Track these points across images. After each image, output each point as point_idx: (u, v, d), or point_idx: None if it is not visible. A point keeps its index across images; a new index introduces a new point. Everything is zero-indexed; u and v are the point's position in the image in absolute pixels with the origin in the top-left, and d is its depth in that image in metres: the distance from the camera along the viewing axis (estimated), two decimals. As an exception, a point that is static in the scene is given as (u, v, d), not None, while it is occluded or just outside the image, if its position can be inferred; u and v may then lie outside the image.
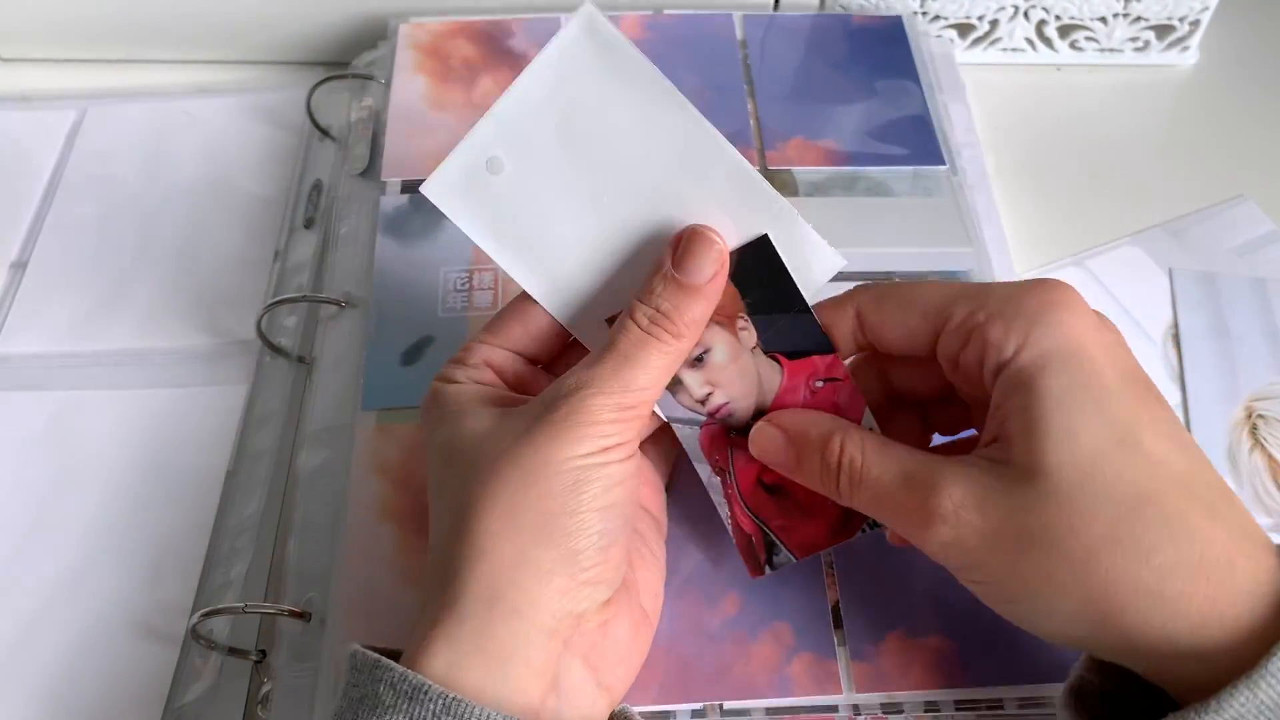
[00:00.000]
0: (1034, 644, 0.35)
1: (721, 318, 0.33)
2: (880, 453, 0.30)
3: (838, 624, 0.36)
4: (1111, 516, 0.26)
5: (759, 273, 0.32)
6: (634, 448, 0.30)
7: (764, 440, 0.33)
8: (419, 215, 0.46)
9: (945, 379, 0.32)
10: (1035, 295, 0.29)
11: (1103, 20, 0.56)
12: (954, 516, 0.27)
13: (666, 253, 0.31)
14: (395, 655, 0.29)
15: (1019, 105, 0.56)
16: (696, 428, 0.34)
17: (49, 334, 0.47)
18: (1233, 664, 0.25)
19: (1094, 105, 0.56)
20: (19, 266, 0.49)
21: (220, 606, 0.37)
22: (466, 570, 0.28)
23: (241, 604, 0.37)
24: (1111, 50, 0.57)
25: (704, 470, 0.34)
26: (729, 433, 0.34)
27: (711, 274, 0.31)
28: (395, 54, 0.52)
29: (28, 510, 0.42)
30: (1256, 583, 0.26)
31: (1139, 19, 0.56)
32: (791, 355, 0.33)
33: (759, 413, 0.33)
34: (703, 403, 0.33)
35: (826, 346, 0.33)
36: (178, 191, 0.52)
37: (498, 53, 0.52)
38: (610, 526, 0.29)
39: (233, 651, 0.37)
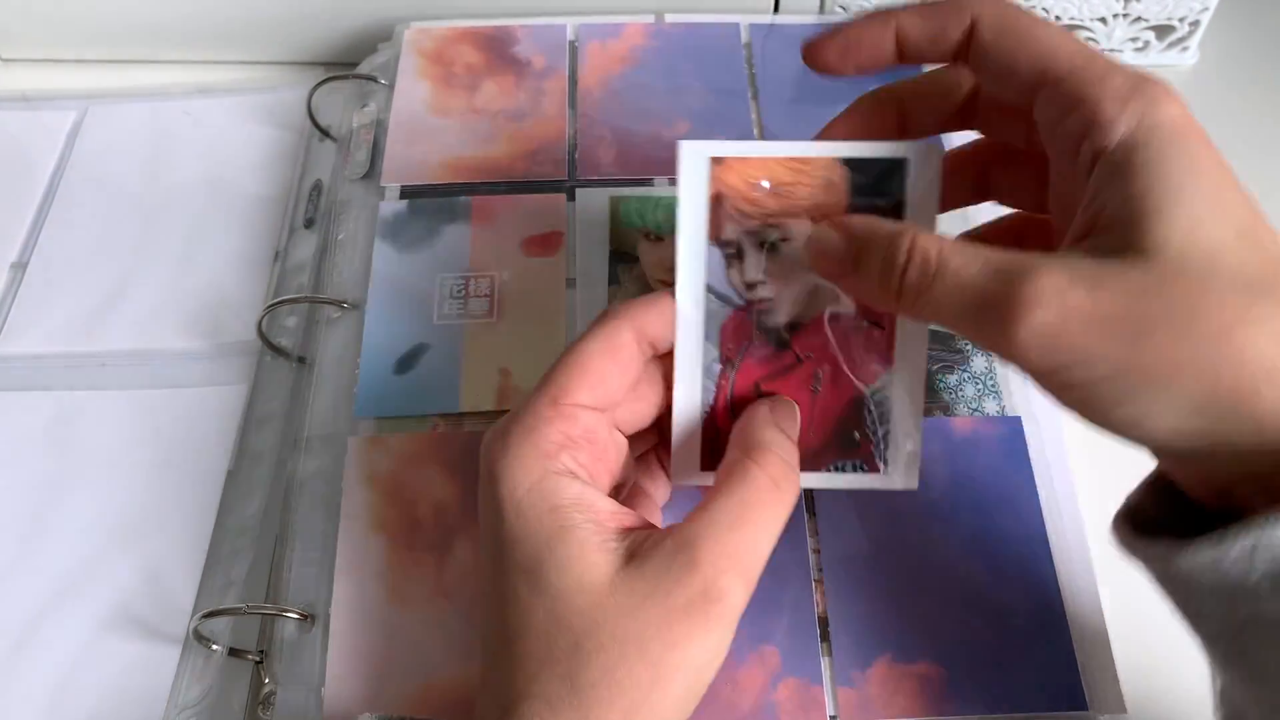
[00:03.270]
0: (1023, 672, 0.35)
1: (819, 215, 0.31)
2: (959, 246, 0.27)
3: (826, 648, 0.36)
4: (1242, 300, 0.25)
5: (877, 190, 0.31)
6: None
7: (821, 240, 0.30)
8: (417, 221, 0.46)
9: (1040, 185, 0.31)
10: (1146, 78, 0.28)
11: (1103, 20, 0.56)
12: (1057, 300, 0.25)
13: (774, 409, 0.31)
14: None
15: (1019, 105, 0.56)
16: (728, 309, 0.32)
17: (49, 334, 0.47)
18: None
19: (1094, 106, 0.56)
20: (19, 266, 0.49)
21: (222, 607, 0.37)
22: None
23: (243, 605, 0.37)
24: (1111, 50, 0.57)
25: (709, 353, 0.32)
26: (755, 329, 0.33)
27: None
28: (399, 58, 0.52)
29: (28, 510, 0.42)
30: None
31: (1139, 19, 0.56)
32: None
33: (791, 325, 0.32)
34: (750, 287, 0.32)
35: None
36: (178, 191, 0.52)
37: (501, 59, 0.52)
38: (696, 705, 0.29)
39: (234, 652, 0.37)
